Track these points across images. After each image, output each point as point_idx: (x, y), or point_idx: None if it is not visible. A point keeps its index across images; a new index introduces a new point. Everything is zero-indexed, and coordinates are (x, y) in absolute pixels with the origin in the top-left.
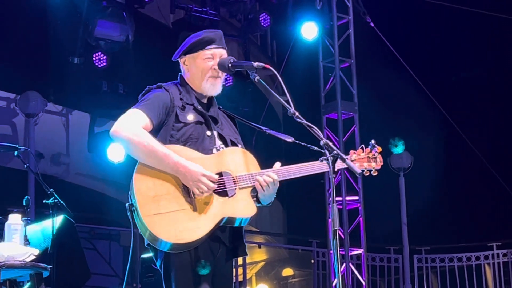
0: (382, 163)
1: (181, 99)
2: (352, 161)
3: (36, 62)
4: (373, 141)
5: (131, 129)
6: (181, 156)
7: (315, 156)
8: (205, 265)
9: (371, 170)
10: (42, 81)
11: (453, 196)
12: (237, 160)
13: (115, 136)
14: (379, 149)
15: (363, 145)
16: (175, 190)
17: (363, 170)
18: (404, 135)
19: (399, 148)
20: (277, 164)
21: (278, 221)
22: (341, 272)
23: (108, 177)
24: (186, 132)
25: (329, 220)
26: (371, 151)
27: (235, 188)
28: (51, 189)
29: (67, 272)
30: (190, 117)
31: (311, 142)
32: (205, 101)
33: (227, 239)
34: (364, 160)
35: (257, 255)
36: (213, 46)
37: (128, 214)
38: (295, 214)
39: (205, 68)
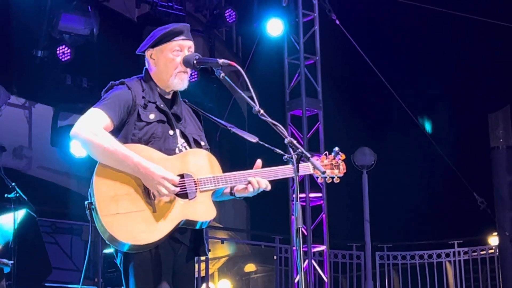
0: (345, 171)
1: (143, 97)
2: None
3: None
4: (336, 149)
5: (91, 130)
6: (143, 157)
7: (280, 155)
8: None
9: (334, 177)
10: (5, 73)
11: (415, 194)
12: (200, 163)
13: (75, 137)
14: (343, 156)
15: (326, 152)
16: (135, 191)
17: (325, 177)
18: (368, 132)
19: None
20: (259, 162)
21: (241, 217)
22: (303, 269)
23: (71, 171)
24: (148, 131)
25: (292, 217)
26: (334, 158)
27: (196, 191)
28: (13, 183)
29: (29, 266)
30: (152, 115)
31: (275, 138)
32: (169, 97)
33: (188, 239)
34: (327, 167)
35: (219, 251)
36: (181, 37)
37: (87, 212)
38: (259, 210)
39: (174, 62)
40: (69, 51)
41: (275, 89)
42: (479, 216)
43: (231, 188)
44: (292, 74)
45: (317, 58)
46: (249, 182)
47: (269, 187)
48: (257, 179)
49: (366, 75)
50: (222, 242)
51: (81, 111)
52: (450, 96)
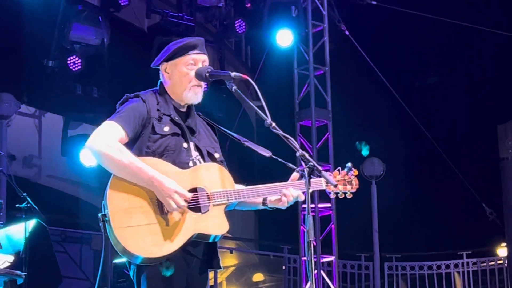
0: (357, 186)
1: (158, 109)
2: (327, 184)
3: (10, 64)
4: (349, 164)
5: (106, 142)
6: (157, 170)
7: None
8: (169, 266)
9: (346, 193)
10: (16, 83)
11: (424, 204)
12: (213, 176)
13: (89, 149)
14: (356, 172)
15: (339, 167)
16: (148, 204)
17: (337, 193)
18: (377, 143)
19: (364, 151)
20: (295, 175)
21: (249, 227)
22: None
23: (80, 180)
24: (162, 143)
25: (301, 227)
26: (347, 174)
27: (209, 205)
28: (24, 194)
29: (39, 276)
30: (167, 128)
31: (284, 148)
32: (183, 110)
33: (201, 253)
34: (340, 183)
35: (228, 260)
36: (195, 51)
37: (101, 224)
38: (267, 220)
39: (188, 76)
40: (79, 61)
41: (284, 99)
42: (488, 227)
43: (264, 199)
44: (301, 84)
45: (327, 68)
46: (284, 195)
47: (302, 197)
48: (290, 190)
49: (375, 85)
50: (231, 252)
51: (91, 121)
52: (460, 106)
